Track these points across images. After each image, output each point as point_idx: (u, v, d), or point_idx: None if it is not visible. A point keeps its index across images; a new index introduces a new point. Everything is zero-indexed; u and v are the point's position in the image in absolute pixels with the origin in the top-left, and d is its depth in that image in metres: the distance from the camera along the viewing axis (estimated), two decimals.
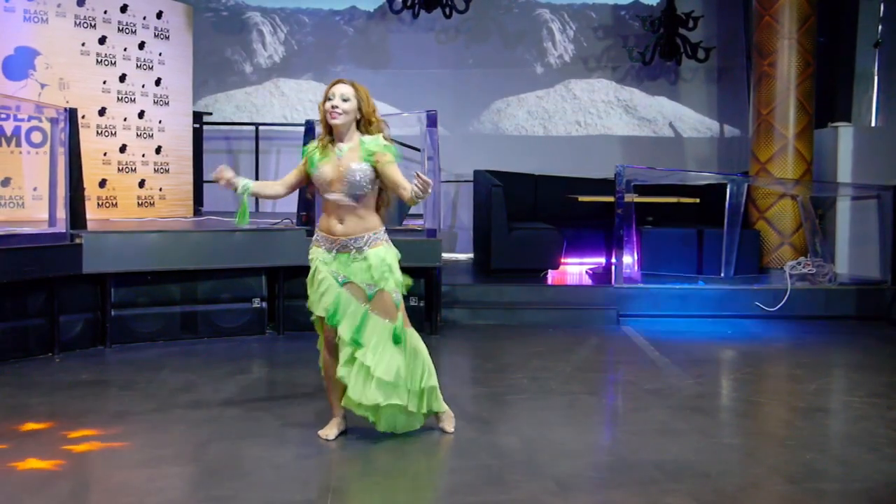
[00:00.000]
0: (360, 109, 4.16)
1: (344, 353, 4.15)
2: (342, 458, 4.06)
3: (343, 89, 4.13)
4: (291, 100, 11.20)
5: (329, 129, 4.19)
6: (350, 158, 4.13)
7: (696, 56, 10.87)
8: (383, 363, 4.12)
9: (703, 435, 4.50)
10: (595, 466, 4.04)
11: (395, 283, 4.19)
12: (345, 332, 4.12)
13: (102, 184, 7.99)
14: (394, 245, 4.29)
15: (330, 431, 4.32)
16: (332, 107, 4.11)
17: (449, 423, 4.44)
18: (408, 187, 4.05)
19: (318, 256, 4.22)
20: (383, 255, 4.17)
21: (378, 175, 4.14)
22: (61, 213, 6.35)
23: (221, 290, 6.82)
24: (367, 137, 4.17)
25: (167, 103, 8.52)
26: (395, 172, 4.12)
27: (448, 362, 6.20)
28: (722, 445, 4.39)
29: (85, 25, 7.87)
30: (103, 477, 3.93)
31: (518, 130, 11.19)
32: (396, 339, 4.16)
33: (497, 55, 11.24)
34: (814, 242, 8.61)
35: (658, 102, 11.37)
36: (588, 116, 11.39)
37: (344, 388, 4.18)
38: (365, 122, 4.18)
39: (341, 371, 4.15)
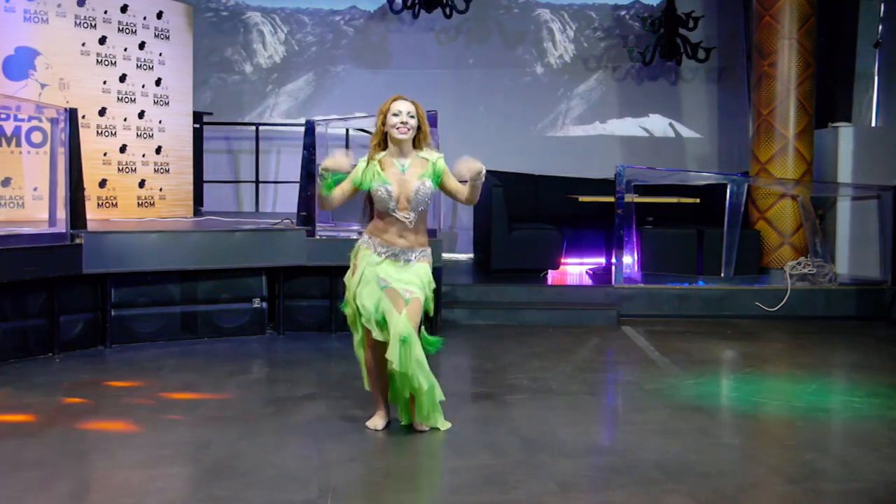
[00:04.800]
0: (419, 128, 4.34)
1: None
2: (342, 458, 4.06)
3: (408, 107, 4.30)
4: (292, 99, 11.20)
5: (384, 144, 4.33)
6: (413, 175, 4.30)
7: (696, 56, 10.87)
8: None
9: (703, 435, 4.50)
10: (595, 466, 4.04)
11: (428, 297, 4.36)
12: (388, 334, 4.22)
13: (102, 184, 8.00)
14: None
15: (378, 422, 4.46)
16: (402, 123, 4.26)
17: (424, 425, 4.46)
18: (463, 190, 4.35)
19: (367, 258, 4.32)
20: (428, 272, 4.38)
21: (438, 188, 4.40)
22: (61, 213, 6.34)
23: (221, 290, 6.82)
24: (426, 154, 4.35)
25: (167, 103, 8.52)
26: (455, 183, 4.40)
27: (448, 362, 6.20)
28: (722, 445, 4.39)
29: (85, 25, 7.87)
30: (103, 477, 3.93)
31: (518, 130, 11.18)
32: (403, 341, 4.18)
33: (497, 55, 11.24)
34: (814, 242, 8.61)
35: (658, 103, 11.37)
36: (588, 117, 11.39)
37: (387, 382, 4.41)
38: (422, 137, 4.35)
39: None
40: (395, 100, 4.33)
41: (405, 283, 4.27)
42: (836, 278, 8.33)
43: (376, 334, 4.26)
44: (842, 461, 4.15)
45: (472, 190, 4.33)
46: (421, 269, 4.35)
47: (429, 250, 4.43)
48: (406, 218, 4.30)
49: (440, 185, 4.39)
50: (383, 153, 4.34)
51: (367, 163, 4.34)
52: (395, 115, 4.27)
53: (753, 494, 3.73)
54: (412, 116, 4.29)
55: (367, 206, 4.43)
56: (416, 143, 4.35)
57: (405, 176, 4.29)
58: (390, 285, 4.26)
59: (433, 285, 4.41)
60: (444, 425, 4.45)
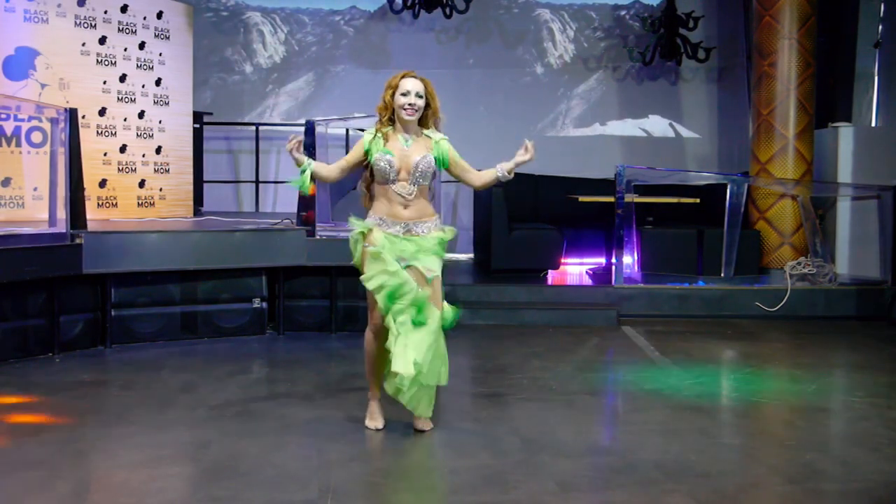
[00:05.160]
0: (428, 105, 4.33)
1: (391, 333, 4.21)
2: (342, 458, 4.06)
3: (417, 86, 4.29)
4: (292, 99, 11.20)
5: (391, 119, 4.33)
6: (416, 150, 4.30)
7: (696, 56, 10.87)
8: (416, 341, 4.19)
9: (703, 435, 4.50)
10: (595, 466, 4.04)
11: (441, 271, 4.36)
12: (408, 312, 4.18)
13: (102, 184, 8.00)
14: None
15: (377, 421, 4.45)
16: (410, 104, 4.26)
17: (425, 425, 4.45)
18: (477, 175, 4.44)
19: (381, 237, 4.28)
20: (444, 239, 4.38)
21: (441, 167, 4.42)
22: (61, 213, 6.35)
23: (221, 290, 6.82)
24: (430, 133, 4.36)
25: (167, 103, 8.52)
26: (463, 164, 4.46)
27: (448, 362, 6.18)
28: (722, 445, 4.39)
29: (85, 25, 7.87)
30: (103, 477, 3.93)
31: (518, 130, 11.16)
32: (447, 324, 4.29)
33: (497, 55, 11.24)
34: (814, 242, 8.61)
35: (658, 103, 11.37)
36: (588, 117, 11.39)
37: (382, 371, 4.37)
38: (432, 116, 4.36)
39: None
40: (404, 76, 4.31)
41: (423, 262, 4.25)
42: (836, 278, 8.32)
43: (384, 310, 4.18)
44: (842, 461, 4.15)
45: (494, 181, 4.42)
46: (436, 240, 4.33)
47: (438, 220, 4.41)
48: (404, 190, 4.28)
49: (447, 168, 4.40)
50: (390, 127, 4.34)
51: (374, 134, 4.33)
52: (403, 94, 4.26)
53: (753, 494, 3.73)
54: (420, 96, 4.28)
55: (367, 186, 4.41)
56: (425, 119, 4.35)
57: (408, 151, 4.29)
58: (410, 263, 4.25)
59: (445, 250, 4.41)
60: (427, 421, 4.40)
